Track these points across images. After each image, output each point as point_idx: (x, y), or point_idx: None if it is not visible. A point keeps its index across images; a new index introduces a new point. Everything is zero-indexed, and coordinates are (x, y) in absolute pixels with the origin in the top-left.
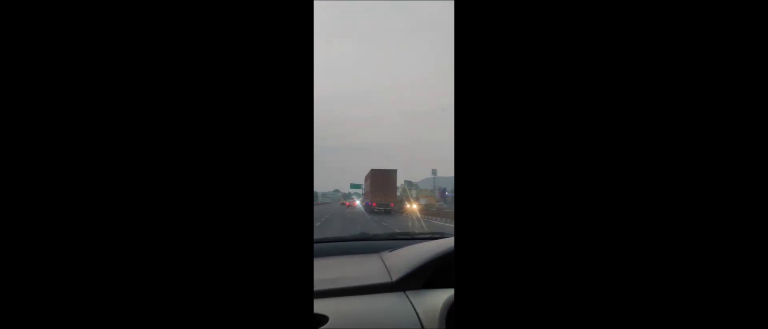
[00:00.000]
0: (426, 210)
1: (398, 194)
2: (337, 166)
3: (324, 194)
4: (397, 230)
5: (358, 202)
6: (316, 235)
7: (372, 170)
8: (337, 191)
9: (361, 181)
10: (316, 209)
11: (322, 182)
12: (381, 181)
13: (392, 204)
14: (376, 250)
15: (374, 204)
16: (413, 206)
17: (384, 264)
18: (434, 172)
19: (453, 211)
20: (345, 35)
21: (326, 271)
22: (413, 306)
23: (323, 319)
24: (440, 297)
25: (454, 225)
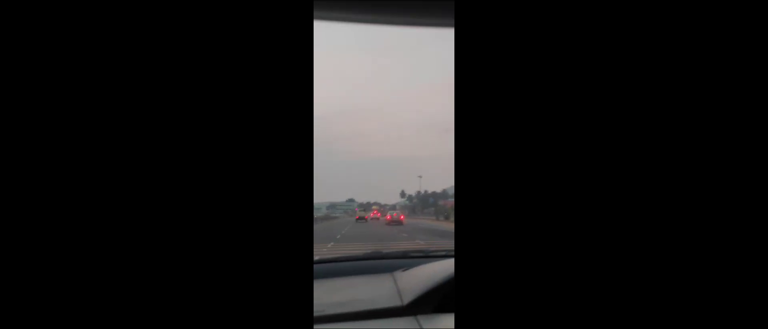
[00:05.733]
0: None
1: None
2: (360, 179)
3: (332, 205)
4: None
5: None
6: None
7: None
8: (351, 200)
9: (381, 197)
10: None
11: (335, 193)
12: None
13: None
14: (389, 269)
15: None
16: None
17: (396, 285)
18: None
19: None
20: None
21: (335, 293)
22: None
23: None
24: (452, 322)
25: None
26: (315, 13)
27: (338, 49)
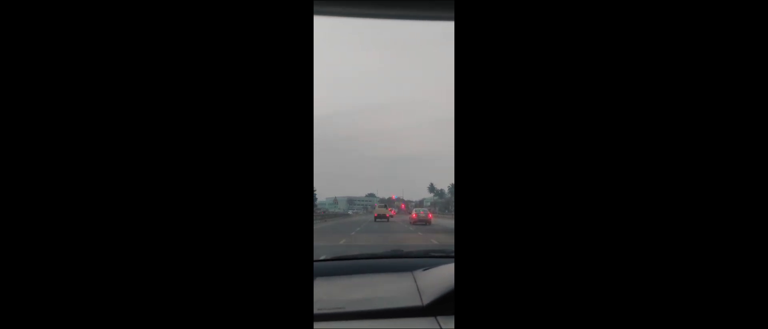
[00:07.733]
0: None
1: None
2: (373, 174)
3: (351, 200)
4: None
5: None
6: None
7: None
8: (371, 195)
9: (394, 192)
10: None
11: (354, 188)
12: None
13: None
14: (409, 268)
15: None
16: None
17: (416, 284)
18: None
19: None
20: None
21: (355, 290)
22: None
23: None
24: None
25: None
26: (315, 9)
27: (363, 44)
